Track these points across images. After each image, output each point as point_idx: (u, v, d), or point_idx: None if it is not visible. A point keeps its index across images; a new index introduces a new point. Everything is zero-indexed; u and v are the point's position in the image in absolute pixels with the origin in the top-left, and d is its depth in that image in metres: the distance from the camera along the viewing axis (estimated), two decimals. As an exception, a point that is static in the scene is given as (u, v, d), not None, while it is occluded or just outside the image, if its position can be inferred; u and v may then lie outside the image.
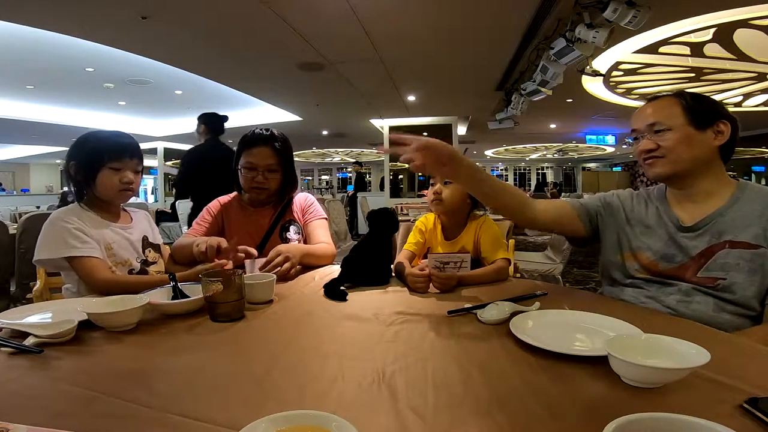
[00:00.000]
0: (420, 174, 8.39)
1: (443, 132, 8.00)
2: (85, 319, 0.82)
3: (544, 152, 17.17)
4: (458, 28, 3.84)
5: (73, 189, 1.27)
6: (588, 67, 4.30)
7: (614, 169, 20.60)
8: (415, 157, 0.96)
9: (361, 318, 0.91)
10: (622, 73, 5.69)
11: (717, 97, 6.87)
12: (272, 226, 1.53)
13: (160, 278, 1.19)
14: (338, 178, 21.94)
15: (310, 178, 21.68)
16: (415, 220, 1.61)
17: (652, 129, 1.04)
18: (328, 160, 18.89)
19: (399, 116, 7.97)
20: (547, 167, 22.99)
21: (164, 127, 9.08)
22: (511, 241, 1.75)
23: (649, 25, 3.16)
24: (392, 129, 8.28)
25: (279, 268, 1.24)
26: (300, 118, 7.90)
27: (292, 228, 1.55)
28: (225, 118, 3.17)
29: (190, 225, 1.46)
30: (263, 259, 1.28)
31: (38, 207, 8.36)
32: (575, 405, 0.54)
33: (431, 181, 1.45)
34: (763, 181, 14.02)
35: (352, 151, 15.94)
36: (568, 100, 7.14)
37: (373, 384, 0.59)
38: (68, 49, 4.47)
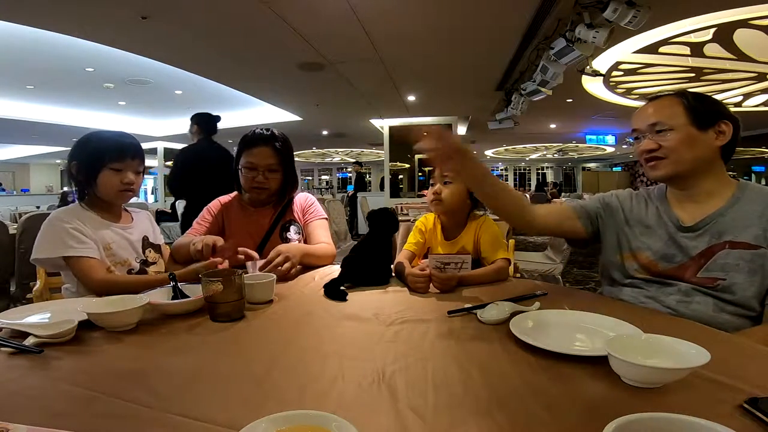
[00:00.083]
0: (420, 174, 8.40)
1: (443, 132, 7.99)
2: (85, 319, 0.82)
3: (544, 152, 17.17)
4: (458, 28, 3.84)
5: (74, 189, 1.27)
6: (588, 67, 4.30)
7: (614, 169, 20.60)
8: (427, 147, 0.96)
9: (361, 318, 0.91)
10: (622, 73, 5.69)
11: (717, 97, 6.85)
12: (272, 226, 1.53)
13: (156, 278, 1.19)
14: (338, 178, 21.95)
15: (310, 178, 21.68)
16: (415, 220, 1.61)
17: (654, 129, 1.03)
18: (328, 160, 18.88)
19: (399, 116, 7.98)
20: (547, 167, 22.99)
21: (164, 127, 9.08)
22: (511, 241, 1.75)
23: (649, 25, 3.16)
24: (392, 129, 8.29)
25: (279, 268, 1.24)
26: (300, 118, 7.90)
27: (293, 228, 1.55)
28: (217, 118, 3.18)
29: (183, 225, 1.47)
30: (263, 261, 1.28)
31: (38, 207, 8.37)
32: (575, 405, 0.54)
33: (431, 182, 1.45)
34: (763, 181, 14.02)
35: (352, 151, 15.94)
36: (568, 100, 7.14)
37: (373, 384, 0.59)
38: (68, 49, 4.47)
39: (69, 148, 1.28)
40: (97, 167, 1.21)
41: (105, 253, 1.21)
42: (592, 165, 21.61)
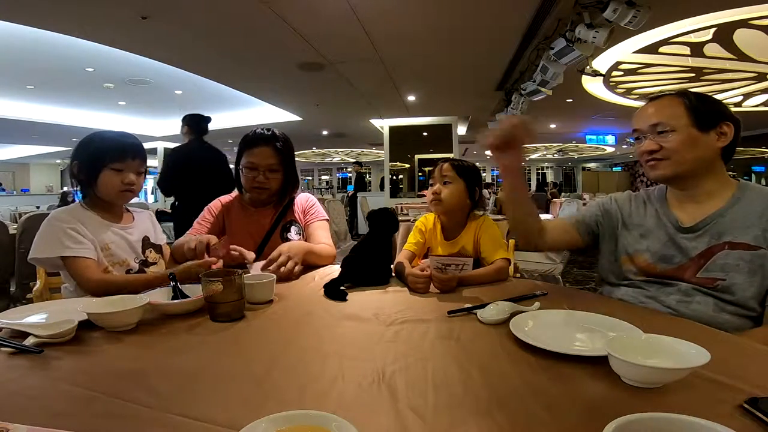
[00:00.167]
0: (420, 174, 8.40)
1: (443, 132, 8.01)
2: (85, 319, 0.82)
3: (544, 152, 17.17)
4: (458, 28, 3.84)
5: (74, 189, 1.27)
6: (588, 67, 4.31)
7: (614, 169, 20.60)
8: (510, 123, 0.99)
9: (361, 318, 0.91)
10: (622, 73, 5.69)
11: (717, 97, 6.84)
12: (273, 226, 1.53)
13: (151, 276, 1.19)
14: (338, 178, 21.94)
15: (310, 178, 21.68)
16: (415, 220, 1.61)
17: (655, 129, 1.03)
18: (328, 160, 18.88)
19: (399, 116, 7.98)
20: (547, 167, 22.98)
21: (164, 127, 9.08)
22: (511, 241, 1.75)
23: (649, 25, 3.16)
24: (392, 129, 8.29)
25: (282, 268, 1.24)
26: (300, 118, 7.90)
27: (293, 228, 1.55)
28: (208, 119, 3.20)
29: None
30: (262, 262, 1.28)
31: (38, 207, 8.36)
32: (575, 405, 0.54)
33: (430, 182, 1.45)
34: (763, 181, 14.01)
35: (352, 151, 15.94)
36: (568, 100, 7.14)
37: (373, 384, 0.59)
38: (68, 49, 4.48)
39: (69, 148, 1.28)
40: (98, 167, 1.21)
41: (103, 254, 1.20)
42: (592, 165, 21.60)
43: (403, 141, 8.31)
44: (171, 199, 3.34)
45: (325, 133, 10.39)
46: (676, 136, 1.00)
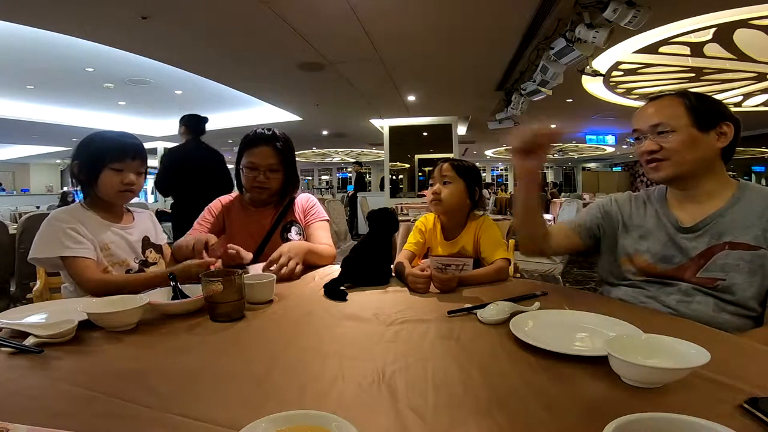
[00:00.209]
0: (420, 174, 8.40)
1: (443, 132, 8.01)
2: (85, 319, 0.82)
3: (544, 152, 17.13)
4: (458, 28, 3.84)
5: (75, 189, 1.27)
6: (588, 67, 4.31)
7: (614, 169, 20.60)
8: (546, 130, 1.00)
9: (361, 318, 0.91)
10: (622, 73, 5.69)
11: (717, 97, 6.85)
12: (273, 227, 1.53)
13: (149, 275, 1.19)
14: (338, 178, 21.94)
15: (310, 178, 21.68)
16: (415, 220, 1.61)
17: (655, 130, 1.02)
18: (328, 160, 18.88)
19: (399, 116, 7.98)
20: (547, 167, 22.97)
21: (164, 127, 9.07)
22: (511, 241, 1.75)
23: (649, 25, 3.16)
24: (392, 129, 8.29)
25: (284, 268, 1.24)
26: (300, 118, 7.90)
27: (294, 229, 1.55)
28: (205, 120, 3.22)
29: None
30: (262, 264, 1.28)
31: (38, 207, 8.36)
32: (575, 405, 0.54)
33: (430, 182, 1.45)
34: (763, 182, 14.01)
35: (352, 151, 15.94)
36: (568, 100, 7.14)
37: (373, 384, 0.59)
38: (68, 49, 4.47)
39: (69, 148, 1.29)
40: (98, 167, 1.21)
41: (103, 254, 1.21)
42: (592, 165, 21.60)
43: (403, 141, 8.31)
44: (171, 200, 3.35)
45: (325, 133, 10.39)
46: (677, 137, 1.00)
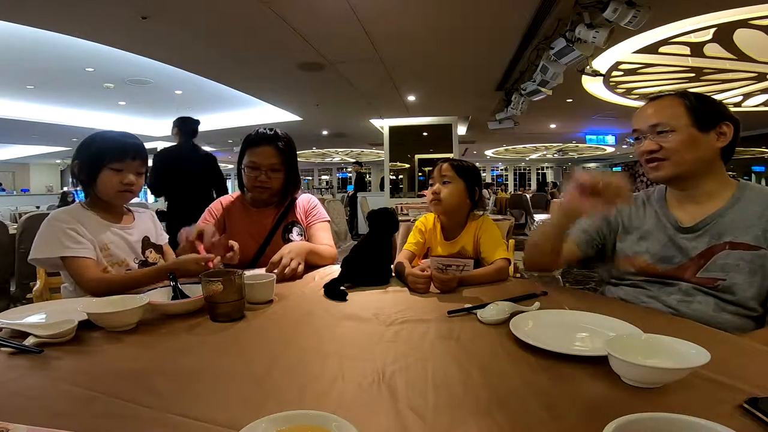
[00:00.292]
0: (420, 174, 8.40)
1: (443, 132, 8.01)
2: (85, 319, 0.82)
3: (544, 152, 17.17)
4: (458, 28, 3.84)
5: (75, 189, 1.27)
6: (588, 67, 4.30)
7: (614, 169, 20.57)
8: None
9: (361, 318, 0.91)
10: (622, 73, 5.69)
11: (717, 97, 6.85)
12: (275, 227, 1.53)
13: (152, 269, 1.19)
14: (338, 178, 21.94)
15: (310, 178, 21.68)
16: (415, 220, 1.61)
17: (655, 130, 1.03)
18: (328, 160, 18.88)
19: (399, 116, 7.98)
20: (547, 167, 22.99)
21: (164, 127, 9.04)
22: (511, 241, 1.76)
23: (649, 25, 3.16)
24: (392, 129, 8.29)
25: (287, 268, 1.25)
26: (300, 118, 7.90)
27: (295, 230, 1.55)
28: (196, 122, 3.29)
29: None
30: (261, 270, 1.29)
31: (38, 207, 8.36)
32: (575, 405, 0.54)
33: (430, 182, 1.45)
34: (763, 182, 14.01)
35: (352, 151, 15.94)
36: (568, 100, 7.14)
37: (373, 384, 0.59)
38: (68, 49, 4.47)
39: (69, 148, 1.29)
40: (98, 167, 1.21)
41: (102, 254, 1.21)
42: (592, 165, 21.59)
43: (403, 141, 8.31)
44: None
45: (325, 133, 10.39)
46: (676, 136, 1.00)
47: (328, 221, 1.64)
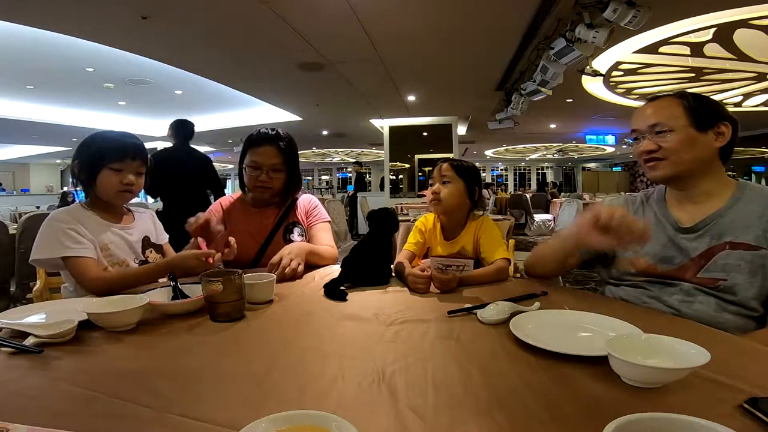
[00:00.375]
0: (420, 174, 8.40)
1: (443, 132, 8.01)
2: (85, 319, 0.82)
3: (544, 152, 17.17)
4: (458, 28, 3.84)
5: (75, 189, 1.27)
6: (588, 67, 4.31)
7: (614, 169, 20.60)
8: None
9: (361, 318, 0.91)
10: (622, 73, 5.69)
11: (717, 97, 6.89)
12: (276, 227, 1.53)
13: (152, 265, 1.20)
14: (338, 178, 21.95)
15: (310, 178, 21.69)
16: (415, 220, 1.61)
17: (654, 130, 1.03)
18: (328, 160, 18.89)
19: (399, 116, 7.98)
20: (547, 167, 22.99)
21: (164, 127, 9.02)
22: (511, 241, 1.76)
23: (649, 25, 3.16)
24: (392, 129, 8.29)
25: (288, 268, 1.25)
26: (300, 118, 7.90)
27: (296, 230, 1.55)
28: (190, 124, 3.35)
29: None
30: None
31: (38, 207, 8.36)
32: (575, 405, 0.54)
33: (430, 182, 1.45)
34: (763, 182, 14.01)
35: (352, 151, 15.94)
36: (568, 100, 7.14)
37: (373, 384, 0.59)
38: (68, 49, 4.48)
39: (69, 148, 1.29)
40: (98, 167, 1.21)
41: (103, 254, 1.21)
42: (592, 165, 21.61)
43: (403, 141, 8.31)
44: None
45: (325, 133, 10.39)
46: (675, 137, 1.00)
47: (329, 222, 1.64)
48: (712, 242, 0.99)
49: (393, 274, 1.29)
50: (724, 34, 4.34)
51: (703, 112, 1.00)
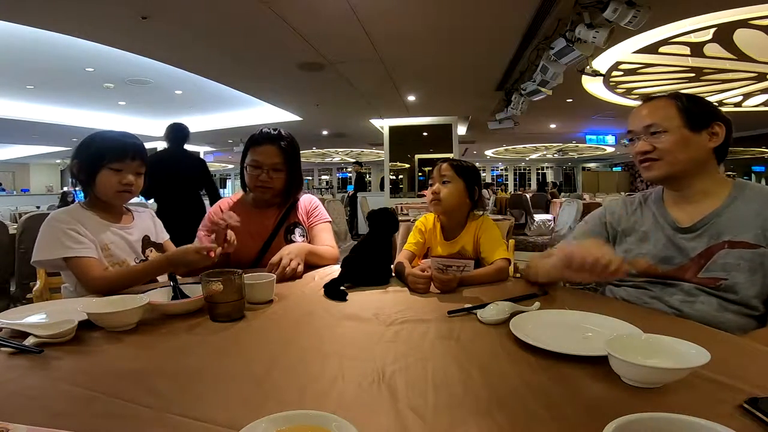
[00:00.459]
0: (420, 174, 8.40)
1: (443, 132, 8.01)
2: (85, 319, 0.82)
3: (544, 152, 17.17)
4: (458, 28, 3.84)
5: (75, 189, 1.27)
6: (588, 67, 4.30)
7: (614, 169, 20.60)
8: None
9: (361, 318, 0.91)
10: (622, 73, 5.69)
11: (717, 97, 6.90)
12: (277, 228, 1.53)
13: (150, 261, 1.19)
14: (338, 178, 21.96)
15: (310, 178, 21.70)
16: (415, 220, 1.61)
17: (648, 131, 1.04)
18: (328, 160, 18.90)
19: (399, 116, 7.98)
20: (547, 167, 22.99)
21: (164, 128, 9.06)
22: (511, 241, 1.76)
23: (649, 25, 3.16)
24: (392, 129, 8.29)
25: (287, 268, 1.26)
26: (300, 118, 7.90)
27: (297, 231, 1.55)
28: (184, 127, 3.42)
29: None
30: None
31: (38, 207, 8.36)
32: (575, 405, 0.54)
33: (429, 182, 1.45)
34: (763, 181, 14.01)
35: (352, 151, 15.95)
36: (568, 100, 7.14)
37: (373, 384, 0.59)
38: (68, 49, 4.47)
39: (69, 148, 1.29)
40: (97, 166, 1.21)
41: (103, 254, 1.20)
42: (592, 165, 21.61)
43: (403, 141, 8.31)
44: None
45: (325, 133, 10.39)
46: (669, 137, 1.01)
47: (330, 222, 1.64)
48: (711, 242, 0.99)
49: (393, 274, 1.29)
50: (724, 34, 4.34)
51: (697, 113, 1.01)
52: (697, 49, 4.75)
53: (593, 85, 6.35)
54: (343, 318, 0.91)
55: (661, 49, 4.75)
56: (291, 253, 1.31)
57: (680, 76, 5.80)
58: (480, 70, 5.15)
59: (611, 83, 6.24)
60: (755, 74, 5.75)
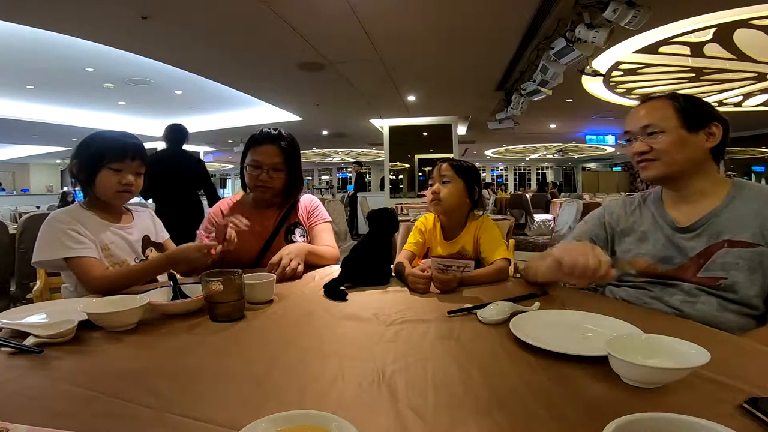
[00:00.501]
0: (420, 174, 8.40)
1: (443, 132, 8.01)
2: (85, 319, 0.82)
3: (544, 152, 17.17)
4: (458, 28, 3.84)
5: (74, 189, 1.28)
6: (588, 67, 4.31)
7: (614, 169, 20.59)
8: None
9: (361, 318, 0.91)
10: (622, 73, 5.69)
11: (717, 97, 6.90)
12: (277, 228, 1.53)
13: (150, 260, 1.19)
14: (338, 178, 21.96)
15: (310, 178, 21.70)
16: (415, 220, 1.61)
17: (646, 131, 1.05)
18: (328, 160, 18.90)
19: (399, 116, 7.98)
20: (547, 167, 22.99)
21: (164, 128, 9.06)
22: (511, 241, 1.76)
23: (649, 25, 3.16)
24: (392, 129, 8.29)
25: (287, 268, 1.26)
26: (300, 118, 7.90)
27: (298, 231, 1.55)
28: (183, 128, 3.46)
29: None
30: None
31: (38, 207, 8.35)
32: (575, 405, 0.54)
33: (429, 182, 1.45)
34: (763, 181, 14.00)
35: (352, 151, 15.95)
36: (568, 100, 7.14)
37: (373, 384, 0.59)
38: (68, 49, 4.47)
39: (69, 148, 1.29)
40: (97, 166, 1.21)
41: (103, 254, 1.20)
42: (592, 165, 21.60)
43: (403, 141, 8.31)
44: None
45: (325, 133, 10.39)
46: (666, 137, 1.02)
47: (330, 222, 1.64)
48: (710, 241, 0.99)
49: (393, 274, 1.29)
50: (724, 34, 4.34)
51: (694, 113, 1.02)
52: (697, 49, 4.75)
53: (593, 85, 6.35)
54: (343, 318, 0.91)
55: (661, 49, 4.75)
56: (291, 253, 1.31)
57: (680, 76, 5.80)
58: (480, 70, 5.15)
59: (611, 83, 6.24)
60: (755, 74, 5.75)
